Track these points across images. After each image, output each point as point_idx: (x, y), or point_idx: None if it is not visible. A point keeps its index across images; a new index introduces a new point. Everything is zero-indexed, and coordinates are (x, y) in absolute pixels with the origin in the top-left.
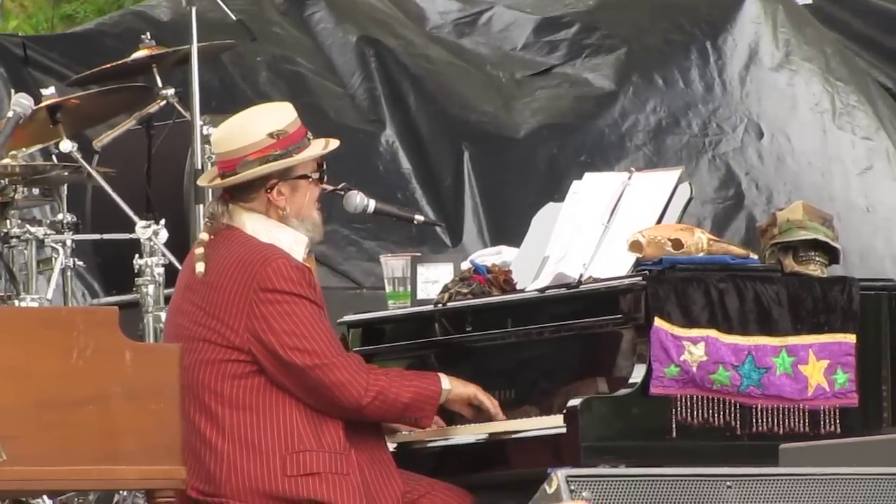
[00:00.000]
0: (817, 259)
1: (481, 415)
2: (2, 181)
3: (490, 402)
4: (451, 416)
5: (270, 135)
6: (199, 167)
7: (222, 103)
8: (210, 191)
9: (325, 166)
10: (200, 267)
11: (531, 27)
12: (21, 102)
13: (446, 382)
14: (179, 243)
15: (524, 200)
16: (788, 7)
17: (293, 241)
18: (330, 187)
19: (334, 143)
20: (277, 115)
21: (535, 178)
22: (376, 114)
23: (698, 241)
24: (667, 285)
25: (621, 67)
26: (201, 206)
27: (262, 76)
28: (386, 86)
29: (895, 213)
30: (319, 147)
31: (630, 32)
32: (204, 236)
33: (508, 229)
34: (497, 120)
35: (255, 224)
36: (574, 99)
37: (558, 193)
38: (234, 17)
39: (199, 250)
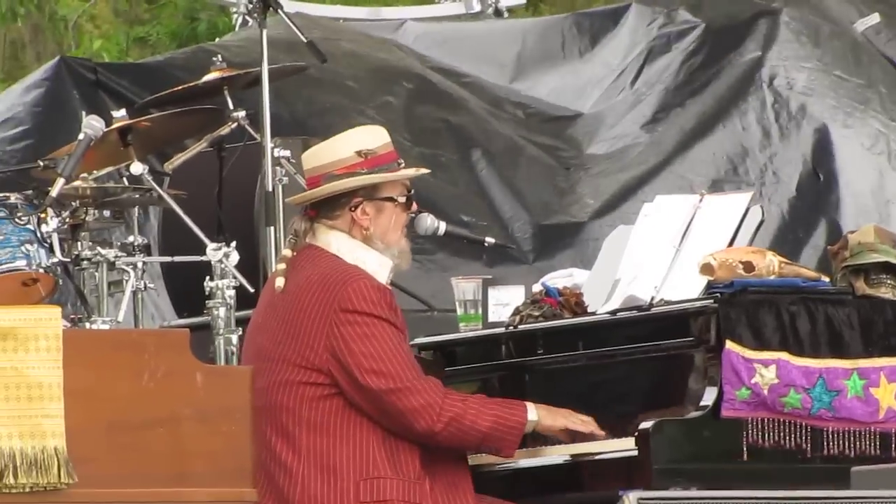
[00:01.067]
0: (888, 282)
1: (579, 437)
2: (73, 203)
3: (584, 425)
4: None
5: (358, 153)
6: (270, 189)
7: (292, 125)
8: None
9: (412, 192)
10: (280, 282)
11: None
12: (92, 125)
13: (533, 413)
14: (250, 266)
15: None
16: (842, 45)
17: (378, 265)
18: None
19: (424, 171)
20: (368, 136)
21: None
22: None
23: (770, 264)
24: (738, 308)
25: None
26: (272, 228)
27: (327, 100)
28: None
29: None
30: (405, 169)
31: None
32: (287, 253)
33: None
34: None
35: (339, 243)
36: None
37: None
38: (304, 39)
39: (281, 266)
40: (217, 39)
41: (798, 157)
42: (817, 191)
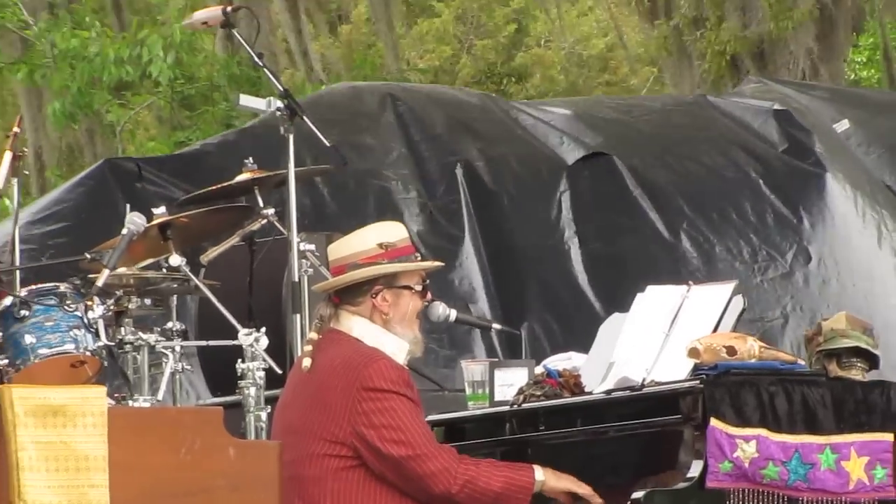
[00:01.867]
0: (858, 364)
1: (578, 501)
2: (117, 292)
3: (585, 490)
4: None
5: (380, 245)
6: (296, 280)
7: (315, 220)
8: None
9: (427, 282)
10: (307, 363)
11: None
12: (135, 221)
13: (540, 474)
14: (278, 349)
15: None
16: (832, 141)
17: (396, 348)
18: (428, 301)
19: (439, 263)
20: (389, 230)
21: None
22: (458, 227)
23: (750, 349)
24: (722, 388)
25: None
26: (298, 315)
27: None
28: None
29: None
30: (421, 261)
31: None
32: (313, 335)
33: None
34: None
35: (361, 328)
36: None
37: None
38: (327, 143)
39: (308, 348)
40: (248, 123)
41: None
42: (805, 272)
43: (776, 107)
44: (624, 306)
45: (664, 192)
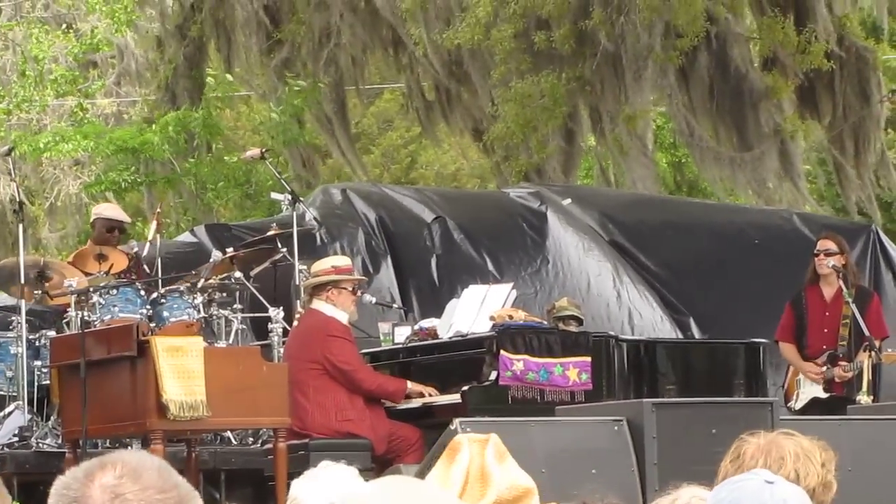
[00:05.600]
0: (573, 323)
1: (426, 396)
2: (209, 290)
3: (426, 390)
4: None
5: (333, 266)
6: (297, 283)
7: (309, 252)
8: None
9: (358, 285)
10: (296, 324)
11: None
12: (216, 254)
13: (409, 384)
14: (288, 319)
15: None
16: (558, 206)
17: (341, 317)
18: (357, 296)
19: (362, 278)
20: (339, 260)
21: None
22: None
23: (522, 316)
24: (506, 335)
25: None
26: (298, 301)
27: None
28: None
29: (606, 300)
30: (353, 276)
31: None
32: (301, 311)
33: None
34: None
35: (322, 308)
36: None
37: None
38: (317, 220)
39: (298, 317)
40: (277, 215)
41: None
42: (546, 270)
43: (531, 190)
44: (458, 295)
45: (478, 236)
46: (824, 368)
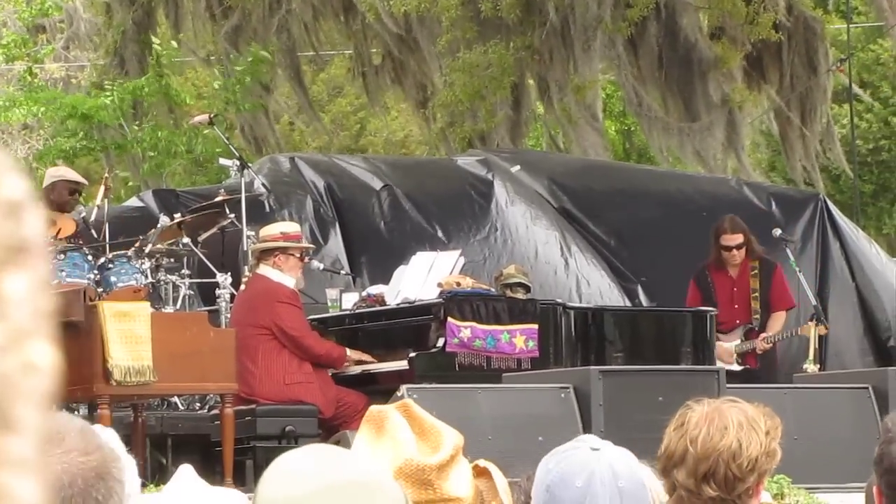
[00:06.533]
0: (521, 291)
1: (364, 363)
2: (156, 256)
3: (368, 357)
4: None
5: (281, 233)
6: (245, 249)
7: (257, 217)
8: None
9: (306, 252)
10: (243, 288)
11: None
12: (164, 219)
13: (349, 351)
14: (236, 285)
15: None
16: (507, 174)
17: (288, 283)
18: (304, 262)
19: (311, 246)
20: (288, 226)
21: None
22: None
23: (469, 283)
24: (453, 302)
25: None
26: (245, 266)
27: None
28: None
29: (554, 268)
30: (301, 243)
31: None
32: (248, 275)
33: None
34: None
35: (270, 273)
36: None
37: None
38: (266, 187)
39: (244, 282)
40: (226, 181)
41: (493, 221)
42: (496, 237)
43: (479, 158)
44: (406, 262)
45: (426, 204)
46: (737, 342)
